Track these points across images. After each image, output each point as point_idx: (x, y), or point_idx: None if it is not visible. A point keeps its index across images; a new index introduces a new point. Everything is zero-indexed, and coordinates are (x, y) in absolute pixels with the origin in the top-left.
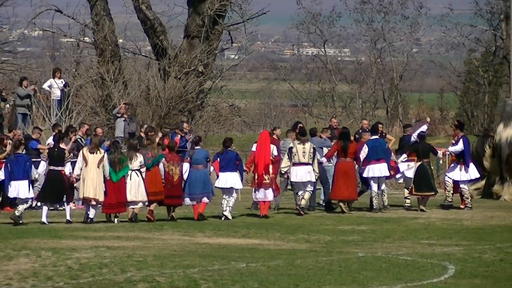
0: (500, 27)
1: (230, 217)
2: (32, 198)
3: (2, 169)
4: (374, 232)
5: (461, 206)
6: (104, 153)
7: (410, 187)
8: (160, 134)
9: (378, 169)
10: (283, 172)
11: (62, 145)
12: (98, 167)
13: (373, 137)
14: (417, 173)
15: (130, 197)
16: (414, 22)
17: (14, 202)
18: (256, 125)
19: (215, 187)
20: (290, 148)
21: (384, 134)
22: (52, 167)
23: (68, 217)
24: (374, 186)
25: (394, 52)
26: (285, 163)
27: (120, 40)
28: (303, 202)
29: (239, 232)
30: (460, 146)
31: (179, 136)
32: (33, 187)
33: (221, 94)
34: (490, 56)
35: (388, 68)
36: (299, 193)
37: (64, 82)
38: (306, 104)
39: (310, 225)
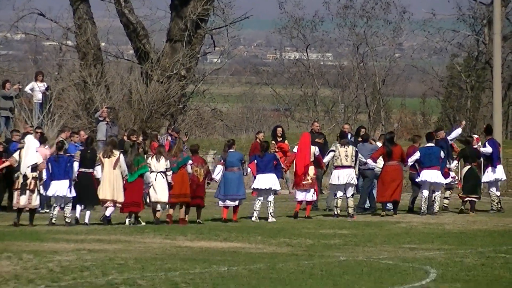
0: (482, 32)
1: (274, 219)
2: (73, 197)
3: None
4: (356, 236)
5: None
6: (120, 154)
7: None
8: (141, 138)
9: (431, 175)
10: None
11: (44, 148)
12: (114, 168)
13: (428, 144)
14: (467, 177)
15: (153, 197)
16: (396, 27)
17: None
18: (238, 129)
19: (253, 188)
20: (332, 151)
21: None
22: (83, 169)
23: (86, 220)
24: (425, 192)
25: (376, 57)
26: (326, 159)
27: (103, 44)
28: (350, 210)
29: (221, 236)
30: (489, 148)
31: (168, 138)
32: (73, 187)
33: (203, 98)
34: (472, 61)
35: (371, 73)
36: (338, 195)
37: (46, 86)
38: (288, 108)
39: (292, 229)
